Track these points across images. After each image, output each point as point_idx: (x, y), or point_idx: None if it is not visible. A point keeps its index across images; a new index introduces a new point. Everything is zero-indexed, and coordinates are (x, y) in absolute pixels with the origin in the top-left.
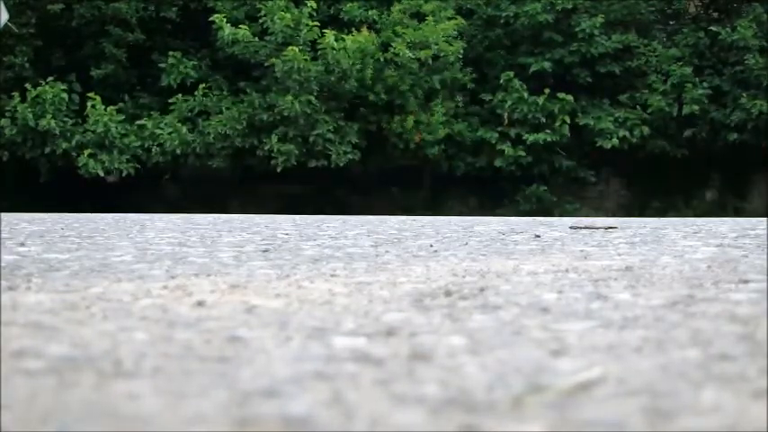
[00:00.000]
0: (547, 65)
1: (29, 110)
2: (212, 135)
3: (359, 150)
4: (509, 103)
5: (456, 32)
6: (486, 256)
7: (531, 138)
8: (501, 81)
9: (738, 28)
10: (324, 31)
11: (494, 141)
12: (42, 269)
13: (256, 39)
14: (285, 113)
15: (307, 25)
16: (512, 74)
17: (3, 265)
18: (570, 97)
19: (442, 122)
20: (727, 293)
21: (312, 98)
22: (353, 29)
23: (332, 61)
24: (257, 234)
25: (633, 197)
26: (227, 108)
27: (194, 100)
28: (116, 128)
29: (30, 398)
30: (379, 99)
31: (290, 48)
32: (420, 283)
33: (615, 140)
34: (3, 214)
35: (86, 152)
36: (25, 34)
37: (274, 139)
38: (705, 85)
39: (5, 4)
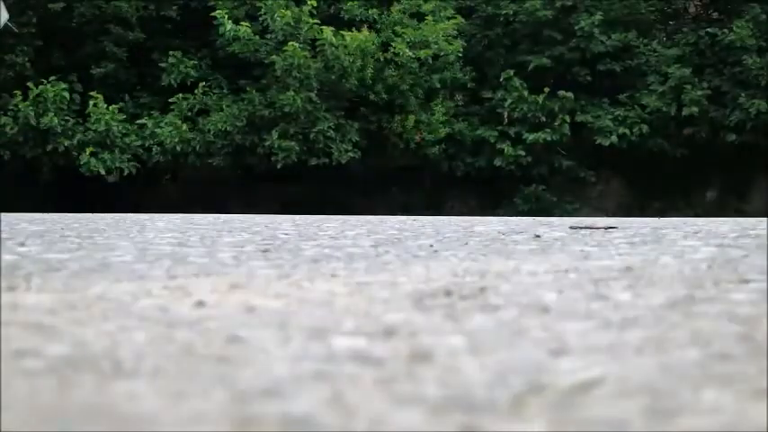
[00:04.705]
0: (546, 61)
1: (30, 108)
2: (212, 132)
3: (359, 149)
4: (509, 101)
5: (456, 31)
6: (486, 256)
7: (530, 137)
8: (501, 79)
9: (735, 28)
10: (322, 27)
11: (493, 140)
12: (42, 269)
13: (257, 37)
14: (286, 109)
15: (307, 23)
16: (512, 72)
17: (3, 265)
18: (570, 95)
19: (443, 122)
20: (728, 293)
21: (313, 95)
22: (353, 28)
23: (331, 57)
24: (257, 234)
25: (633, 197)
26: (228, 106)
27: (194, 98)
28: (117, 127)
29: (30, 398)
30: (379, 98)
31: (289, 44)
32: (420, 283)
33: (614, 138)
34: (3, 214)
35: (88, 151)
36: (26, 33)
37: (275, 135)
38: (705, 85)
39: (5, 3)
